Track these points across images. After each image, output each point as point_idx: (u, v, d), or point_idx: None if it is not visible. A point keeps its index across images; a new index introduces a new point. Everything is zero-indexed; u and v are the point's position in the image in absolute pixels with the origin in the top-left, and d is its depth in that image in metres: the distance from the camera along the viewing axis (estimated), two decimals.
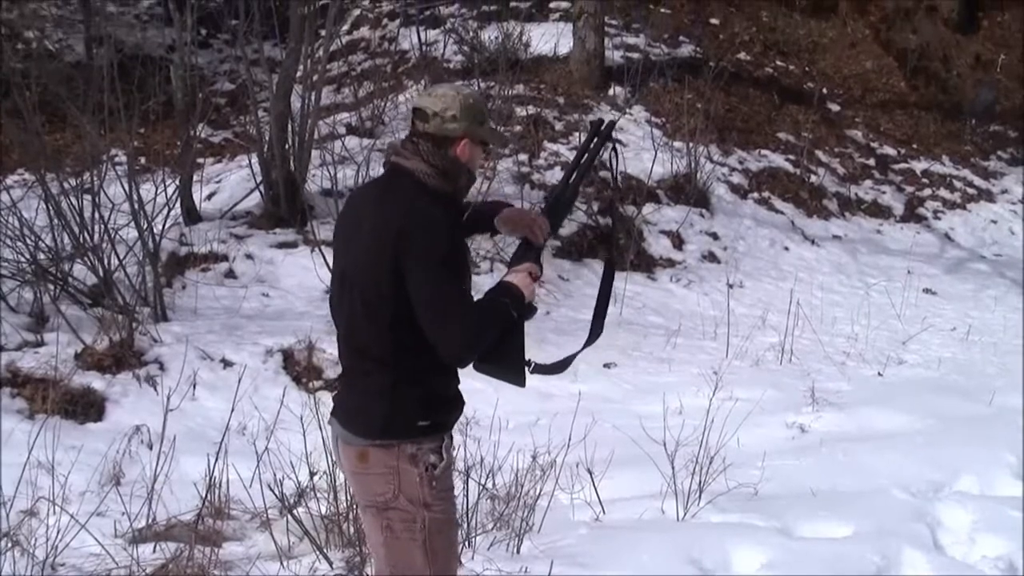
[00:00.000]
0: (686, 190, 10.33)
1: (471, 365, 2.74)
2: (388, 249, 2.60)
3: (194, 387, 6.27)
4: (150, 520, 4.37)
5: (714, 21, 14.52)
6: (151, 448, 5.38)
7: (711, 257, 9.77)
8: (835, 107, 13.41)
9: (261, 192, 9.00)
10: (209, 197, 9.50)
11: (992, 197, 12.39)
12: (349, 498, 4.01)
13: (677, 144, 10.81)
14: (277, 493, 4.21)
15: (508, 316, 2.72)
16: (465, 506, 4.10)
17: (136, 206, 7.22)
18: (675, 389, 6.33)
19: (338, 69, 12.77)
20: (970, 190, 12.42)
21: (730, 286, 9.15)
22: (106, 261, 7.07)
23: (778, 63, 14.11)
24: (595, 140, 3.01)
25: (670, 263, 9.52)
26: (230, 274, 8.19)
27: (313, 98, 8.84)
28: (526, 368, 2.81)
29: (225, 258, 8.33)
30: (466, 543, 4.09)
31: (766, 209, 10.90)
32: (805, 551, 4.10)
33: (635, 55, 12.59)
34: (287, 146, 8.81)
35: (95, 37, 12.32)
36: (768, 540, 4.19)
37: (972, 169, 12.90)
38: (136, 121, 8.11)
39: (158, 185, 7.87)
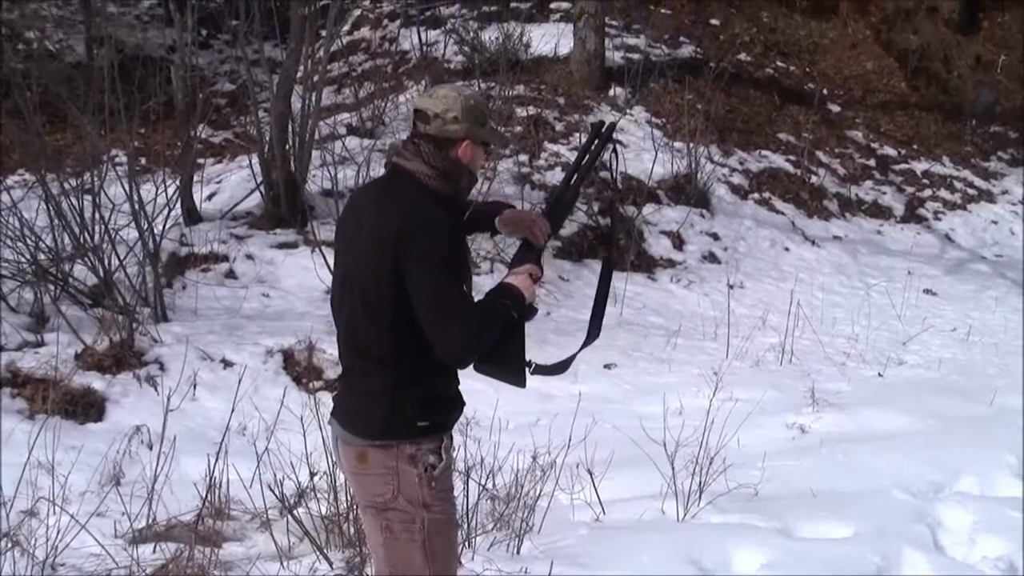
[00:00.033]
0: (686, 190, 10.33)
1: (472, 366, 2.74)
2: (388, 250, 2.60)
3: (194, 387, 6.27)
4: (150, 520, 4.37)
5: (714, 22, 14.52)
6: (151, 448, 5.38)
7: (711, 258, 9.77)
8: (836, 108, 13.42)
9: (261, 192, 9.00)
10: (209, 197, 9.50)
11: (992, 198, 12.38)
12: (349, 498, 4.01)
13: (677, 144, 10.82)
14: (277, 493, 4.21)
15: (508, 317, 2.72)
16: (465, 506, 4.10)
17: (136, 206, 7.23)
18: (675, 390, 6.32)
19: (339, 69, 12.77)
20: (970, 191, 12.42)
21: (730, 287, 9.15)
22: (106, 261, 7.08)
23: (779, 64, 14.11)
24: (596, 142, 3.02)
25: (670, 263, 9.52)
26: (230, 274, 8.19)
27: (314, 98, 8.84)
28: (526, 369, 2.81)
29: (225, 258, 8.33)
30: (466, 543, 4.09)
31: (766, 210, 10.90)
32: (805, 552, 4.10)
33: (635, 56, 12.59)
34: (287, 146, 8.82)
35: (96, 37, 12.33)
36: (768, 541, 4.19)
37: (972, 170, 12.90)
38: (136, 121, 8.11)
39: (158, 185, 7.87)
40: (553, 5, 13.97)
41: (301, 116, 8.82)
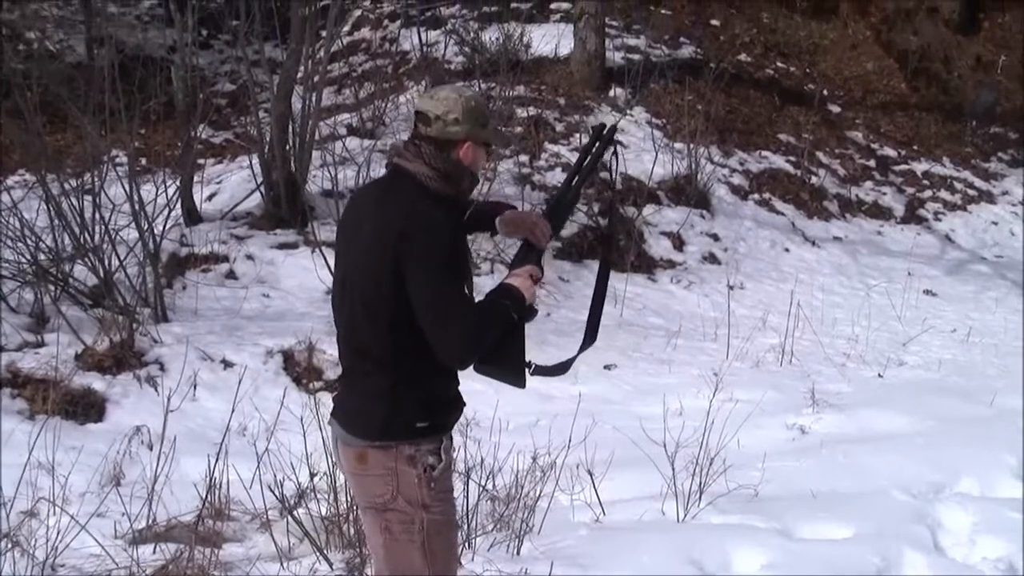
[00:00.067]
0: (687, 191, 10.34)
1: (472, 366, 2.74)
2: (388, 250, 2.60)
3: (194, 388, 6.27)
4: (150, 521, 4.37)
5: (715, 22, 14.52)
6: (151, 449, 5.39)
7: (711, 258, 9.77)
8: (836, 108, 13.42)
9: (262, 193, 9.00)
10: (210, 198, 9.50)
11: (993, 198, 12.39)
12: (349, 499, 4.01)
13: (678, 145, 10.82)
14: (277, 494, 4.21)
15: (509, 318, 2.72)
16: (465, 507, 4.10)
17: (137, 207, 7.23)
18: (675, 390, 6.33)
19: (339, 70, 12.78)
20: (971, 191, 12.42)
21: (730, 287, 9.16)
22: (107, 262, 7.08)
23: (779, 64, 14.11)
24: (597, 144, 3.02)
25: (671, 264, 9.52)
26: (231, 275, 8.19)
27: (314, 99, 8.84)
28: (526, 369, 2.81)
29: (226, 259, 8.33)
30: (466, 544, 4.09)
31: (767, 210, 10.90)
32: (805, 552, 4.10)
33: (636, 56, 12.59)
34: (288, 147, 8.82)
35: (96, 38, 12.33)
36: (768, 541, 4.19)
37: (973, 170, 12.90)
38: (137, 122, 8.11)
39: (159, 186, 7.88)
40: (553, 5, 13.97)
41: (301, 116, 8.82)
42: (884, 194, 12.00)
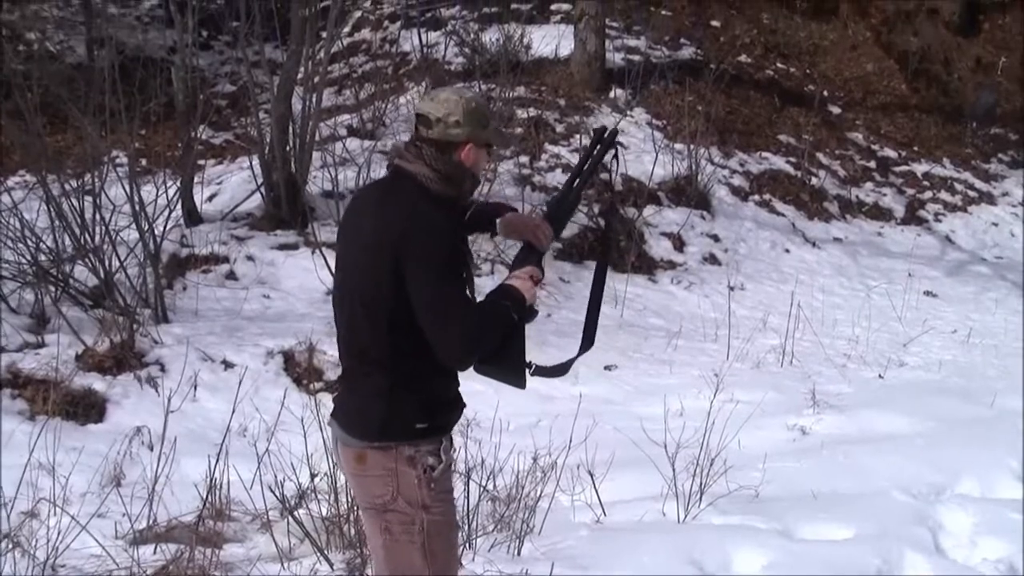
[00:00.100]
0: (687, 192, 10.34)
1: (472, 367, 2.75)
2: (388, 250, 2.60)
3: (195, 388, 6.27)
4: (151, 521, 4.37)
5: (715, 23, 14.52)
6: (152, 449, 5.39)
7: (712, 259, 9.77)
8: (836, 109, 13.42)
9: (262, 194, 9.00)
10: (210, 199, 9.50)
11: (993, 200, 12.39)
12: (350, 500, 4.02)
13: (678, 146, 10.82)
14: (278, 494, 4.21)
15: (509, 318, 2.72)
16: (466, 508, 4.10)
17: (137, 207, 7.23)
18: (676, 391, 6.33)
19: (339, 71, 12.78)
20: (971, 193, 12.42)
21: (731, 288, 9.15)
22: (107, 262, 7.08)
23: (779, 65, 14.11)
24: (598, 147, 3.03)
25: (671, 265, 9.53)
26: (231, 276, 8.19)
27: (314, 100, 8.85)
28: (527, 370, 2.81)
29: (226, 260, 8.33)
30: (467, 545, 4.09)
31: (767, 211, 10.90)
32: (806, 553, 4.10)
33: (636, 57, 12.59)
34: (288, 148, 8.82)
35: (96, 39, 12.33)
36: (769, 542, 4.19)
37: (973, 172, 12.90)
38: (137, 123, 8.12)
39: (159, 187, 7.88)
40: (554, 7, 13.97)
41: (302, 117, 8.82)
42: (884, 195, 12.00)
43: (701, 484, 4.60)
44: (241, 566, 4.07)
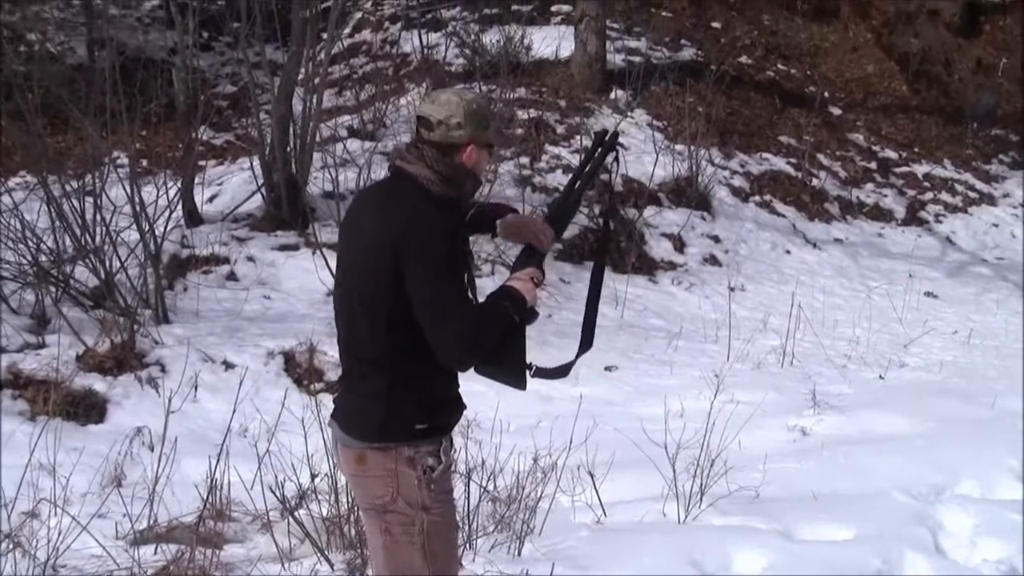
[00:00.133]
0: (687, 193, 10.34)
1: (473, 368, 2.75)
2: (388, 250, 2.61)
3: (195, 389, 6.28)
4: (151, 522, 4.37)
5: (715, 25, 14.53)
6: (152, 450, 5.39)
7: (712, 260, 9.77)
8: (836, 111, 13.42)
9: (263, 194, 9.01)
10: (211, 199, 9.51)
11: (993, 201, 12.39)
12: (350, 500, 4.02)
13: (678, 147, 10.82)
14: (278, 495, 4.21)
15: (508, 319, 2.72)
16: (466, 508, 4.10)
17: (138, 208, 7.24)
18: (676, 392, 6.33)
19: (340, 72, 12.78)
20: (971, 194, 12.42)
21: (731, 289, 9.15)
22: (108, 263, 7.08)
23: (779, 67, 14.11)
24: (599, 150, 3.03)
25: (671, 266, 9.53)
26: (231, 276, 8.19)
27: (315, 101, 8.85)
28: (527, 371, 2.81)
29: (227, 260, 8.33)
30: (467, 545, 4.09)
31: (767, 212, 10.90)
32: (806, 554, 4.10)
33: (636, 58, 12.60)
34: (288, 149, 8.82)
35: (97, 40, 12.33)
36: (769, 543, 4.19)
37: (973, 173, 12.90)
38: (138, 123, 8.12)
39: (160, 187, 7.89)
40: (554, 8, 13.97)
41: (302, 118, 8.83)
42: (885, 196, 12.00)
43: (701, 485, 4.60)
44: (241, 566, 4.07)
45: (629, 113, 11.53)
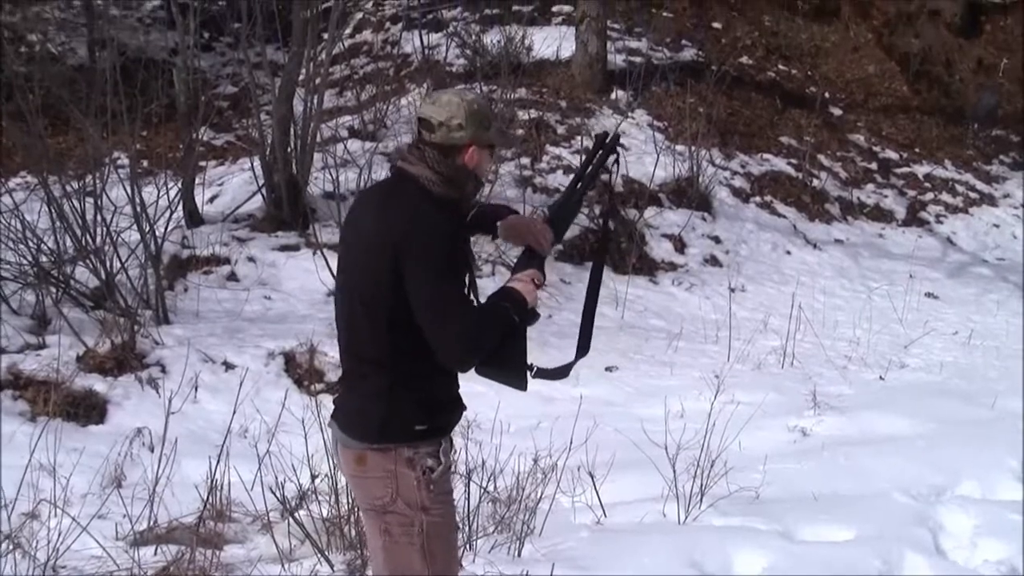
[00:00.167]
0: (688, 194, 10.34)
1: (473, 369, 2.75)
2: (389, 250, 2.61)
3: (196, 390, 6.28)
4: (151, 522, 4.37)
5: (716, 25, 14.52)
6: (152, 451, 5.39)
7: (713, 261, 9.77)
8: (837, 111, 13.42)
9: (263, 195, 9.01)
10: (211, 200, 9.51)
11: (994, 201, 12.39)
12: (350, 501, 4.02)
13: (679, 148, 10.82)
14: (278, 496, 4.21)
15: (509, 320, 2.72)
16: (466, 509, 4.10)
17: (138, 209, 7.24)
18: (677, 392, 6.33)
19: (340, 72, 12.78)
20: (972, 194, 12.41)
21: (732, 290, 9.15)
22: (108, 264, 7.09)
23: (780, 67, 14.11)
24: (600, 152, 3.03)
25: (672, 266, 9.53)
26: (232, 277, 8.19)
27: (315, 101, 8.85)
28: (528, 372, 2.81)
29: (227, 261, 8.33)
30: (467, 546, 4.09)
31: (768, 213, 10.89)
32: (806, 555, 4.10)
33: (637, 59, 12.59)
34: (289, 149, 8.82)
35: (98, 40, 12.34)
36: (769, 543, 4.19)
37: (974, 173, 12.90)
38: (139, 124, 8.13)
39: (160, 188, 7.89)
40: (555, 8, 13.97)
41: (303, 119, 8.83)
42: (885, 197, 12.00)
43: (702, 485, 4.60)
44: (242, 567, 4.07)
45: (630, 114, 11.53)
